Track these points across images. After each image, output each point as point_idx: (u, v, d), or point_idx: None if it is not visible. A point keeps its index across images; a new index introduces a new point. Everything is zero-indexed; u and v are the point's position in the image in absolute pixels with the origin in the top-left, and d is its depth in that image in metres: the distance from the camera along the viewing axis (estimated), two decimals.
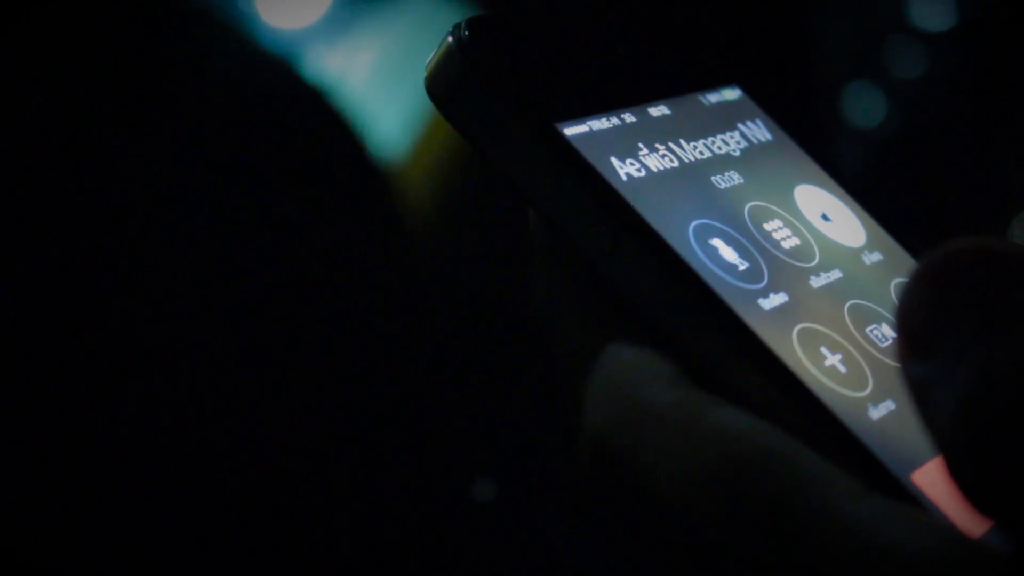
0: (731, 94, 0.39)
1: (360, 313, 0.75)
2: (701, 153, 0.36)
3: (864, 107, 1.03)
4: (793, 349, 0.32)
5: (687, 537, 0.29)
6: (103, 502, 0.65)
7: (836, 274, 0.35)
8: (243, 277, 0.73)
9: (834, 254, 0.36)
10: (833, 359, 0.32)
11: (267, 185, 0.76)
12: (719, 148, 0.37)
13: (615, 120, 0.35)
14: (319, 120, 0.79)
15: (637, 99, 0.36)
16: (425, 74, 0.34)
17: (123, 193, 0.71)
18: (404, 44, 0.91)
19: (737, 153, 0.37)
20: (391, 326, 0.76)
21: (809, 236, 0.36)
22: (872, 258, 0.37)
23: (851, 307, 0.34)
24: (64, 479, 0.65)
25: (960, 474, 0.27)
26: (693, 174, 0.35)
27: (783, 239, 0.35)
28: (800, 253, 0.35)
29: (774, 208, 0.36)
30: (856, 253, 0.36)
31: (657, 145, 0.35)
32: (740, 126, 0.38)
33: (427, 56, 0.34)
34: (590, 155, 0.33)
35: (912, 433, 0.30)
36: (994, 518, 0.27)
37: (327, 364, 0.74)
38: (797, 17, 1.01)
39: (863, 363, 0.33)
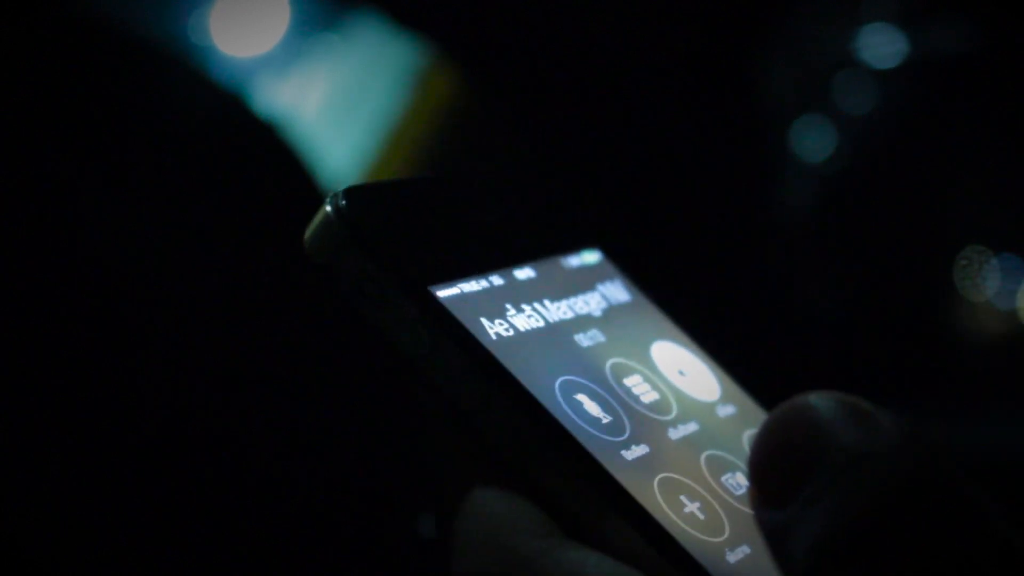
0: (591, 257, 0.41)
1: (304, 349, 0.75)
2: (564, 313, 0.38)
3: (812, 141, 1.05)
4: (655, 498, 0.33)
5: None
6: (100, 502, 0.66)
7: (693, 426, 0.37)
8: (187, 310, 0.73)
9: (690, 407, 0.38)
10: (692, 507, 0.34)
11: (216, 218, 0.76)
12: (581, 308, 0.38)
13: (484, 283, 0.36)
14: (269, 153, 0.80)
15: (504, 262, 0.38)
16: (304, 239, 0.35)
17: (71, 228, 0.71)
18: (356, 76, 0.91)
19: (598, 313, 0.39)
20: (337, 363, 0.76)
21: (667, 391, 0.38)
22: (726, 411, 0.39)
23: (707, 457, 0.36)
24: (61, 479, 0.66)
25: None
26: (558, 333, 0.37)
27: (643, 394, 0.37)
28: (659, 407, 0.37)
29: (634, 364, 0.38)
30: (711, 406, 0.38)
31: (523, 306, 0.37)
32: (600, 287, 0.40)
33: (380, 87, 0.35)
34: (461, 315, 0.35)
35: (765, 575, 0.32)
36: None
37: (266, 402, 0.74)
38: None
39: (720, 510, 0.35)
